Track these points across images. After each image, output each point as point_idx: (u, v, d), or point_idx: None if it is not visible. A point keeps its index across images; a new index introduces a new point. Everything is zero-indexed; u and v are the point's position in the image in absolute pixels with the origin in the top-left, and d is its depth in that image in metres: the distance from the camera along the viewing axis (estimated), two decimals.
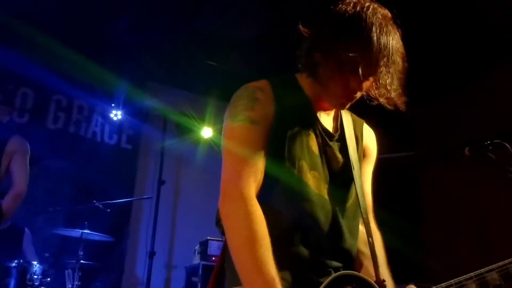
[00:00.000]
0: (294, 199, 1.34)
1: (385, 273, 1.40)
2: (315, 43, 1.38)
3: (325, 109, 1.50)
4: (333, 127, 1.51)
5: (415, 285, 1.34)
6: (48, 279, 3.36)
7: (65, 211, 4.21)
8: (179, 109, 5.79)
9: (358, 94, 1.39)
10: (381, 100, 1.40)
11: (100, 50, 5.09)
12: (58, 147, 4.79)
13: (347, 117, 1.56)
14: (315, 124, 1.44)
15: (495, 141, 1.50)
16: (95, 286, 4.21)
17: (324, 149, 1.43)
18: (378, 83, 1.37)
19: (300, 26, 1.42)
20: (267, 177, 1.34)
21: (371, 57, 1.28)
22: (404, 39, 1.36)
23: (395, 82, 1.37)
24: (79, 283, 3.68)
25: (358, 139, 1.55)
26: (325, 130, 1.46)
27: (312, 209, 1.34)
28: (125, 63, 5.32)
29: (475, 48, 5.07)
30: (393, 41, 1.30)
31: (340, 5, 1.36)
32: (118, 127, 5.65)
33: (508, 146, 1.49)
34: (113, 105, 5.49)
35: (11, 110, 3.86)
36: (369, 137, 1.62)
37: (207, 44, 5.08)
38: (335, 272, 1.31)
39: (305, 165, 1.36)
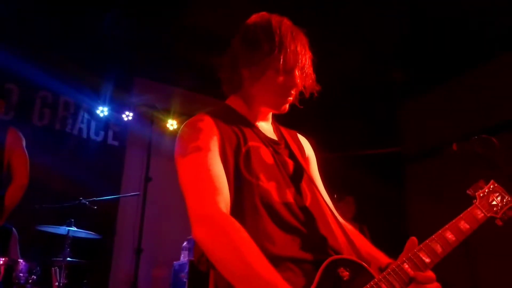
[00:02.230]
0: (269, 208, 1.36)
1: (372, 250, 1.49)
2: (238, 61, 1.52)
3: (263, 123, 1.62)
4: (277, 137, 1.62)
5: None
6: (34, 277, 3.32)
7: (51, 208, 4.15)
8: (166, 105, 5.76)
9: (294, 90, 1.52)
10: (304, 88, 1.56)
11: (86, 45, 5.04)
12: (44, 144, 4.73)
13: (283, 130, 1.69)
14: (260, 136, 1.53)
15: (482, 136, 1.53)
16: (82, 284, 4.17)
17: (278, 157, 1.51)
18: (302, 74, 1.51)
19: (215, 58, 1.58)
20: (235, 195, 1.36)
21: (294, 52, 1.45)
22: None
23: (311, 71, 1.53)
24: (66, 281, 3.65)
25: (300, 146, 1.69)
26: (272, 140, 1.57)
27: (286, 215, 1.37)
28: (111, 58, 5.27)
29: (460, 43, 5.14)
30: (302, 37, 1.51)
31: (245, 26, 1.54)
32: (105, 123, 5.61)
33: (495, 141, 1.52)
34: (99, 101, 5.45)
35: (4, 104, 3.80)
36: (306, 145, 1.75)
37: (195, 40, 5.06)
38: None
39: (264, 177, 1.41)
